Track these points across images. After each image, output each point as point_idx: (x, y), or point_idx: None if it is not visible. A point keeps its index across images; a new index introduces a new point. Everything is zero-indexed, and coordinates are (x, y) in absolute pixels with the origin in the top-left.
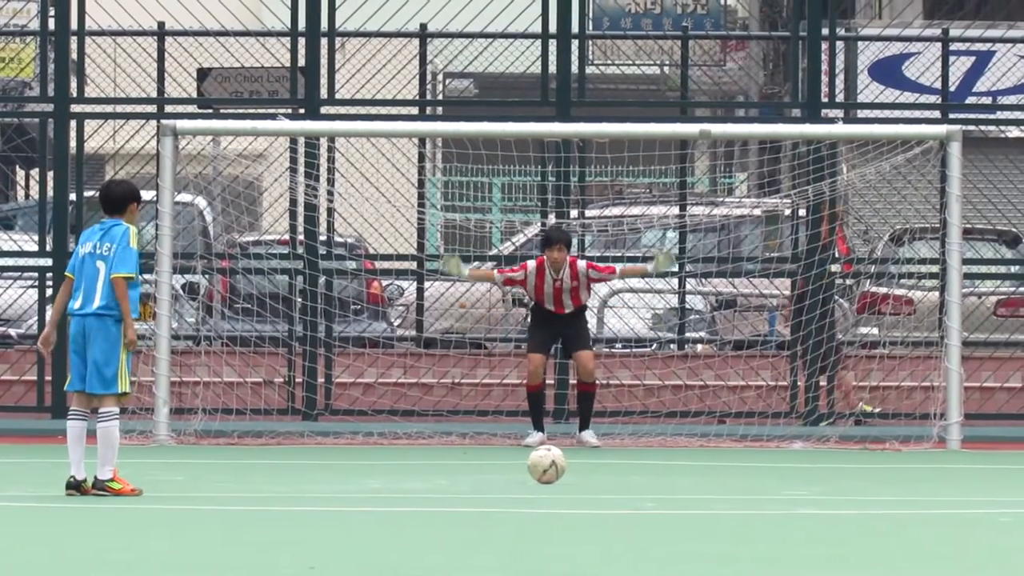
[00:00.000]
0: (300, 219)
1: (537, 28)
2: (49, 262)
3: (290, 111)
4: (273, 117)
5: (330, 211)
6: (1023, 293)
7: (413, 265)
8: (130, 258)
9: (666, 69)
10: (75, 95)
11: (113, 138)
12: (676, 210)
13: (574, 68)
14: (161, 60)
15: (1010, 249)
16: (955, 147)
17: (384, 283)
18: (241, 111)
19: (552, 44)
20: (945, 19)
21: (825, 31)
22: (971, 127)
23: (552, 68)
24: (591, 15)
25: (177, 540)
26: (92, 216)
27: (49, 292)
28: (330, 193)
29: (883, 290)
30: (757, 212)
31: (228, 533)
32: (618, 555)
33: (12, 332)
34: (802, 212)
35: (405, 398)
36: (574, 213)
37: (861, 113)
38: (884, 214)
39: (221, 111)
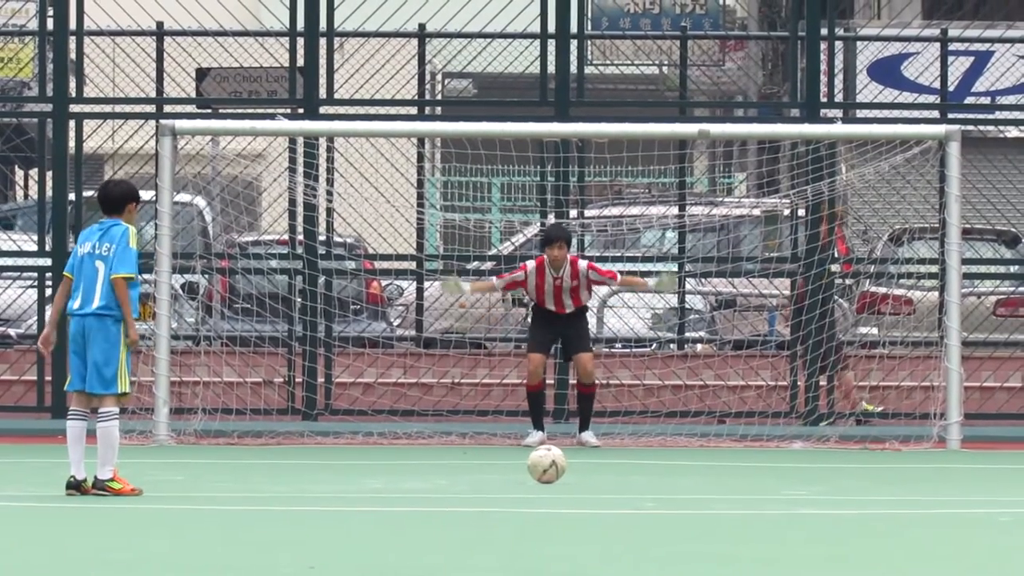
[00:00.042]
0: (299, 219)
1: (536, 28)
2: (48, 262)
3: (289, 111)
4: (272, 117)
5: (329, 211)
6: (1022, 293)
7: (412, 265)
8: (130, 258)
9: (665, 69)
10: (74, 95)
11: (112, 138)
12: (675, 210)
13: (573, 68)
14: (160, 60)
15: (1009, 249)
16: (954, 147)
17: (383, 283)
18: (240, 111)
19: (551, 44)
20: (944, 19)
21: (824, 31)
22: (970, 127)
23: (551, 68)
24: (590, 15)
25: (177, 540)
26: (91, 216)
27: (48, 292)
28: (329, 193)
29: (883, 290)
30: (756, 212)
31: (228, 533)
32: (618, 555)
33: (12, 332)
34: (801, 212)
35: (405, 398)
36: (573, 213)
37: (860, 113)
38: (883, 214)
39: (220, 111)
